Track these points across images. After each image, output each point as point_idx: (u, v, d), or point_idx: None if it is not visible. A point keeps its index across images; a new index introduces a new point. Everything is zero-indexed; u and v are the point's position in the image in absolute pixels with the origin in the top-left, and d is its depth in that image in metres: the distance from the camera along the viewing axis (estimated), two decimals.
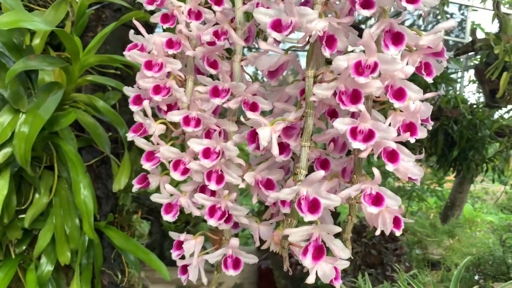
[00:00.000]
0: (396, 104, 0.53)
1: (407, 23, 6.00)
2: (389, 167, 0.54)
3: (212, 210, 0.65)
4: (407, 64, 0.56)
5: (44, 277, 1.36)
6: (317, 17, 0.55)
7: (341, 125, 0.54)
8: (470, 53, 4.02)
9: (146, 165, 0.68)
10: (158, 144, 0.68)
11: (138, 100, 0.73)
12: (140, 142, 0.69)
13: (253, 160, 0.74)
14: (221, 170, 0.65)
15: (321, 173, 0.53)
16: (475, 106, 4.33)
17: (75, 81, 1.25)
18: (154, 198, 0.69)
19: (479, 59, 3.65)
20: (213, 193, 0.69)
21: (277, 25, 0.55)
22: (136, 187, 0.72)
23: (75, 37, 1.18)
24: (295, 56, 0.64)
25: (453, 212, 4.90)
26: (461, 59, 5.24)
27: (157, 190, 0.73)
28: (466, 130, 4.05)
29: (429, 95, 0.57)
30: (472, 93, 5.49)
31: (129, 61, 1.25)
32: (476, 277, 3.16)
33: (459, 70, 5.34)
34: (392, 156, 0.54)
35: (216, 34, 0.66)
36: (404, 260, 3.33)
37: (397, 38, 0.53)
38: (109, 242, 1.54)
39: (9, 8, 1.09)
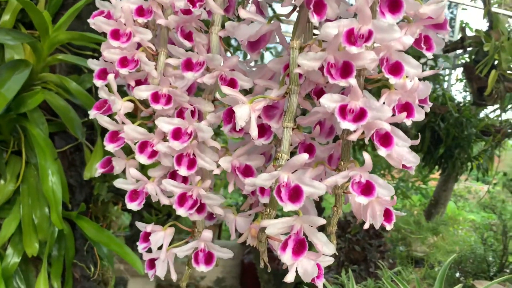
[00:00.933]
0: (392, 79, 0.47)
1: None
2: (382, 152, 0.47)
3: (182, 199, 0.58)
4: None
5: (10, 269, 1.28)
6: None
7: (329, 102, 0.47)
8: (458, 51, 4.02)
9: (109, 147, 0.60)
10: (123, 123, 0.61)
11: (104, 74, 0.65)
12: (103, 121, 0.61)
13: (232, 145, 0.67)
14: (193, 154, 0.58)
15: (304, 156, 0.46)
16: (462, 104, 4.34)
17: (44, 60, 1.15)
18: (118, 183, 0.62)
19: (467, 57, 3.63)
20: (184, 180, 0.62)
21: None
22: (99, 171, 0.65)
23: (44, 11, 1.09)
24: (279, 25, 0.56)
25: (437, 209, 4.92)
26: (450, 57, 5.24)
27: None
28: (453, 128, 4.05)
29: (428, 72, 0.51)
30: (459, 92, 5.52)
31: (103, 39, 1.17)
32: (457, 275, 3.16)
33: (447, 68, 5.35)
34: (386, 139, 0.48)
35: (191, 0, 0.59)
36: (388, 257, 3.31)
37: (394, 5, 0.47)
38: (82, 233, 1.45)
39: None
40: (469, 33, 3.54)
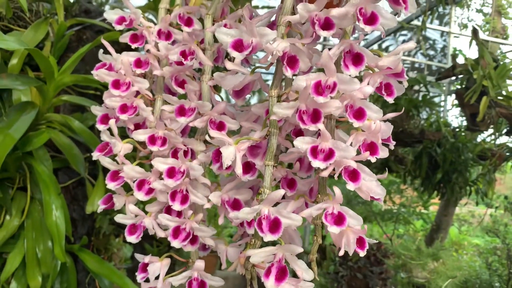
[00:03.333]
0: (356, 123, 0.54)
1: (391, 48, 6.17)
2: (350, 186, 0.54)
3: (176, 231, 0.64)
4: (368, 84, 0.57)
5: None
6: (278, 38, 0.55)
7: (302, 144, 0.54)
8: (451, 78, 4.13)
9: (111, 185, 0.67)
10: (123, 163, 0.67)
11: (106, 119, 0.72)
12: (105, 162, 0.68)
13: (223, 180, 0.73)
14: (186, 190, 0.64)
15: (280, 192, 0.52)
16: (457, 129, 4.41)
17: (49, 101, 1.24)
18: (118, 219, 0.68)
19: (459, 84, 3.74)
20: (179, 214, 0.68)
21: (238, 45, 0.55)
22: (101, 208, 0.71)
23: (50, 57, 1.18)
24: (260, 76, 0.64)
25: (439, 234, 4.91)
26: (444, 84, 5.37)
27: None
28: (449, 153, 4.10)
29: (390, 115, 0.58)
30: (455, 117, 5.61)
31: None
32: None
33: (442, 94, 5.47)
34: (353, 175, 0.54)
35: (183, 54, 0.67)
36: (390, 284, 3.30)
37: (357, 59, 0.54)
38: (83, 266, 1.49)
39: None
40: (462, 59, 3.66)
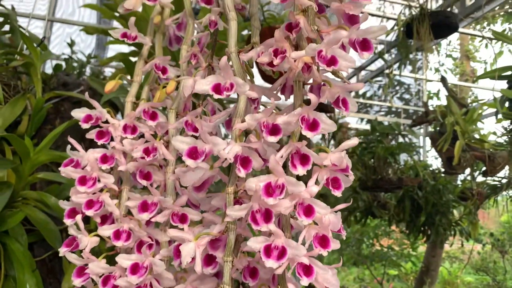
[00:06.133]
0: (305, 221, 0.57)
1: (368, 94, 6.41)
2: (304, 281, 0.56)
3: None
4: (317, 180, 0.61)
5: None
6: (232, 144, 0.60)
7: (255, 244, 0.57)
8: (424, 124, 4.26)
9: (76, 281, 0.68)
10: (88, 258, 0.69)
11: (73, 213, 0.74)
12: (71, 258, 0.69)
13: (191, 268, 0.74)
14: (150, 285, 0.66)
15: None
16: (437, 171, 4.51)
17: (25, 180, 1.25)
18: None
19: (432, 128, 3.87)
20: None
21: (193, 152, 0.60)
22: None
23: (26, 138, 1.21)
24: (219, 171, 0.68)
25: (429, 276, 4.88)
26: (422, 126, 5.54)
27: None
28: (431, 196, 4.17)
29: (340, 207, 0.62)
30: (434, 158, 5.73)
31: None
32: None
33: (421, 136, 5.62)
34: (307, 270, 0.57)
35: (146, 151, 0.71)
36: None
37: (304, 159, 0.59)
38: None
39: None
40: (436, 101, 3.80)
